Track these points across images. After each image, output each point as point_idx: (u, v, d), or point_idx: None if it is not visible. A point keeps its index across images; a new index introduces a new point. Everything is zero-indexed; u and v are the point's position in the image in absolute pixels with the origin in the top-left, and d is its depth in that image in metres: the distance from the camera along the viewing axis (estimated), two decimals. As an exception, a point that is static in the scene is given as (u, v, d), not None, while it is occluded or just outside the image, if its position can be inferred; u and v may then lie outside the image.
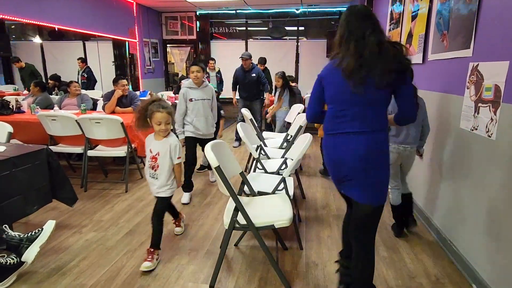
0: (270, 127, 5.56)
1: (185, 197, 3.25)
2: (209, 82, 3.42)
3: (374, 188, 1.54)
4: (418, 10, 3.07)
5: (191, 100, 3.11)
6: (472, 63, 2.08)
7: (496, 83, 1.81)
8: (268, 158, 3.22)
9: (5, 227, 2.07)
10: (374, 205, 1.55)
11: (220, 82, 7.21)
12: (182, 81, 3.54)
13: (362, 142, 1.51)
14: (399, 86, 1.51)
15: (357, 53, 1.48)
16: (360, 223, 1.62)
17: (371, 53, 1.46)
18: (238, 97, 5.55)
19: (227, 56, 8.32)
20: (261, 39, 8.50)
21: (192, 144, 3.19)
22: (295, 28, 8.14)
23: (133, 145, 3.63)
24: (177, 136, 2.66)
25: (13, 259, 1.98)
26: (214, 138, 3.31)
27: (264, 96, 5.52)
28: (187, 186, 3.25)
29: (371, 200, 1.54)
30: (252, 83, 5.27)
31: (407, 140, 2.35)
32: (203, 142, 3.15)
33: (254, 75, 5.27)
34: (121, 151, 3.54)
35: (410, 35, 3.29)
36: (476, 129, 2.01)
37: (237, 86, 5.53)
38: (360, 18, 1.53)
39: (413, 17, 3.21)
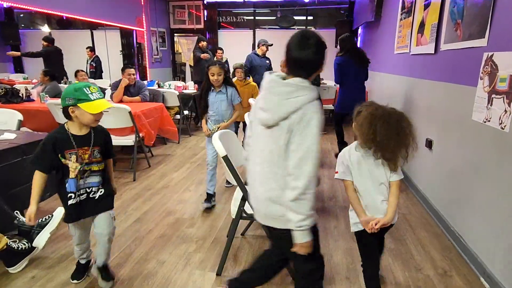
0: None
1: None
2: None
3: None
4: (431, -2, 2.99)
5: None
6: (486, 53, 2.03)
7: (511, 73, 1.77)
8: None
9: (17, 213, 2.11)
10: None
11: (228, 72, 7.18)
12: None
13: (363, 93, 4.02)
14: (368, 67, 3.99)
15: (357, 52, 3.91)
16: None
17: (362, 53, 3.96)
18: None
19: (234, 45, 8.26)
20: (269, 28, 8.41)
21: None
22: (304, 17, 8.02)
23: (140, 134, 3.64)
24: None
25: (24, 244, 2.02)
26: None
27: None
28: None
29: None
30: (267, 68, 5.31)
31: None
32: None
33: (268, 61, 5.39)
34: (128, 140, 3.56)
35: (422, 24, 3.22)
36: (489, 121, 1.97)
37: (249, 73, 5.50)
38: (353, 38, 3.96)
39: (426, 6, 3.13)
